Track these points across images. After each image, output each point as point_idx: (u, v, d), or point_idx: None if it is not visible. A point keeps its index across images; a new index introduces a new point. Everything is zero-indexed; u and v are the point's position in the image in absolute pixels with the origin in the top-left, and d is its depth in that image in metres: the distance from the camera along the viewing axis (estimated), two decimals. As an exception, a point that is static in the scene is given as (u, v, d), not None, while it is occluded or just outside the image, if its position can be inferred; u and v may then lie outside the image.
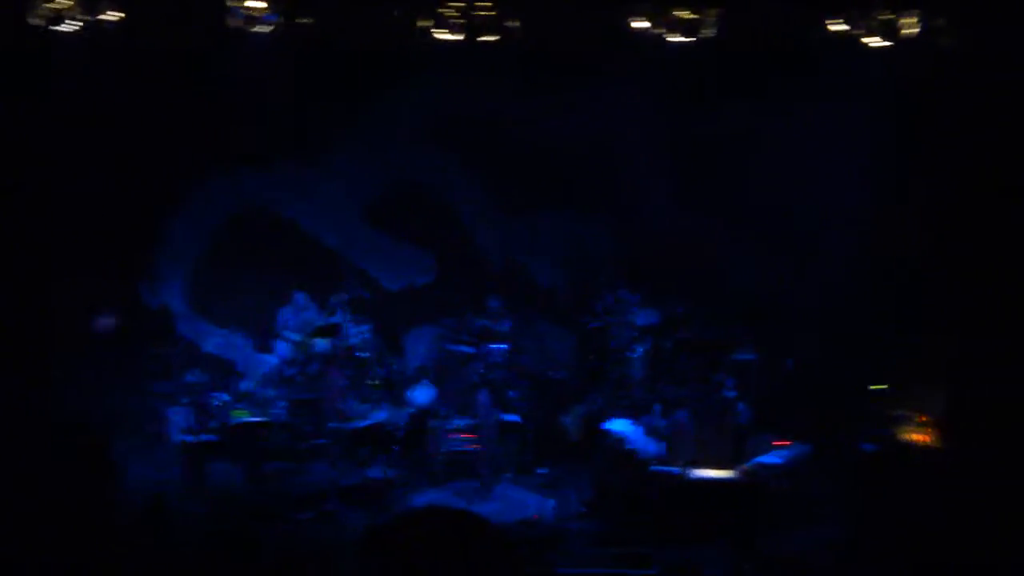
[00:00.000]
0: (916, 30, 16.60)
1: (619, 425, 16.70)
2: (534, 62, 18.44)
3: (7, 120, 17.53)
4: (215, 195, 20.02)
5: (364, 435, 17.28)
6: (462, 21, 16.73)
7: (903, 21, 16.59)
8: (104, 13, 16.39)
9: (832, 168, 18.39)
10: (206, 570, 12.70)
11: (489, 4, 16.68)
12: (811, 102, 17.89)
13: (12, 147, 17.74)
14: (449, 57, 17.65)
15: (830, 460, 16.41)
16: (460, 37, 16.80)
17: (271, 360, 19.08)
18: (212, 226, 20.08)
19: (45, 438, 15.40)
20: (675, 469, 15.75)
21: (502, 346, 18.88)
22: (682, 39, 16.82)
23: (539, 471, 17.94)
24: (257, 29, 16.61)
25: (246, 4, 16.51)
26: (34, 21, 16.32)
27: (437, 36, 16.76)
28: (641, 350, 18.79)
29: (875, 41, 16.69)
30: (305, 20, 16.87)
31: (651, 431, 16.68)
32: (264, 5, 16.56)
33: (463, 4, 16.64)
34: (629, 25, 16.88)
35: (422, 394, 18.13)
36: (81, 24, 16.43)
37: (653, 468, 15.87)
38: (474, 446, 17.42)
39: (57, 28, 16.41)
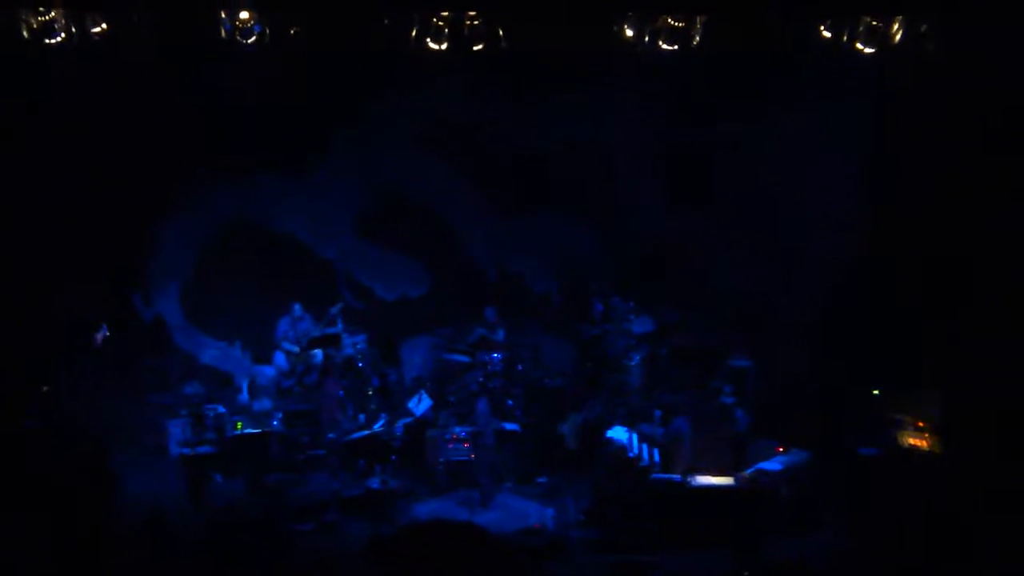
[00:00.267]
0: (901, 36, 16.58)
1: (618, 433, 16.68)
2: (524, 70, 18.44)
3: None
4: (209, 207, 20.02)
5: (362, 445, 17.24)
6: (450, 30, 16.66)
7: (890, 28, 16.58)
8: (94, 25, 16.32)
9: (823, 173, 18.41)
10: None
11: (475, 13, 16.62)
12: (800, 108, 17.91)
13: (3, 159, 17.71)
14: (440, 66, 17.62)
15: (829, 465, 16.42)
16: (447, 47, 16.71)
17: (268, 371, 19.07)
18: (206, 238, 20.10)
19: (44, 451, 15.43)
20: (675, 476, 15.77)
21: (499, 355, 18.90)
22: (671, 47, 16.78)
23: (538, 480, 17.95)
24: (247, 40, 16.54)
25: (236, 15, 16.44)
26: (24, 34, 16.27)
27: (426, 45, 16.71)
28: (638, 358, 18.82)
29: (862, 47, 16.68)
30: (295, 31, 16.78)
31: (649, 438, 16.67)
32: (253, 16, 16.49)
33: (451, 13, 16.59)
34: (618, 33, 16.85)
35: (419, 404, 18.08)
36: (71, 36, 16.36)
37: (653, 476, 15.87)
38: (473, 455, 17.40)
39: (47, 40, 16.34)
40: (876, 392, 17.26)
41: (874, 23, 16.60)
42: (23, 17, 16.20)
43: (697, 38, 16.72)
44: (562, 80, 18.91)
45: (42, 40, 16.34)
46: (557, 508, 16.70)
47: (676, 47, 16.79)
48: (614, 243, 20.53)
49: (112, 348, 18.41)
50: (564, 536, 15.56)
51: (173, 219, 19.93)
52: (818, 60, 17.24)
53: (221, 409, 17.67)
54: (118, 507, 15.03)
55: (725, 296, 19.44)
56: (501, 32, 16.74)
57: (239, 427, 17.05)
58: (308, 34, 16.88)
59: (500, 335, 19.39)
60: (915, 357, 17.12)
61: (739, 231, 19.52)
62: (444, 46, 16.72)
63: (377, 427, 17.48)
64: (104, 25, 16.43)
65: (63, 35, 16.37)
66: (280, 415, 18.04)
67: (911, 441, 16.39)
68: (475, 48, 16.78)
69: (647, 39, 16.82)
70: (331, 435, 17.62)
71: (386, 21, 16.76)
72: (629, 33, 16.83)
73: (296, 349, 18.99)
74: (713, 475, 15.85)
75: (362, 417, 18.31)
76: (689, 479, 15.65)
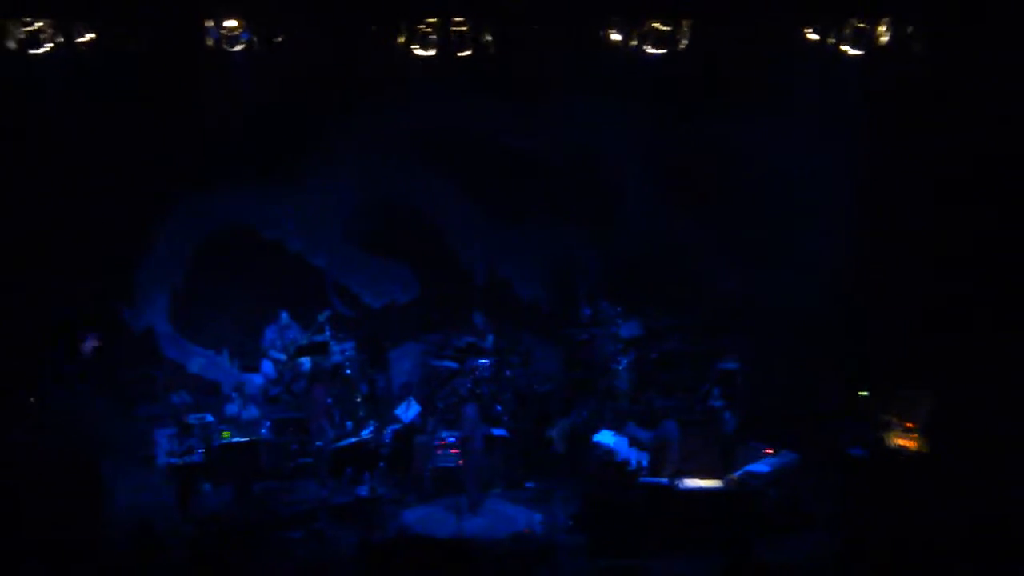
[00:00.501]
0: (887, 38, 16.62)
1: (606, 437, 16.69)
2: (511, 76, 18.46)
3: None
4: (196, 215, 20.01)
5: (350, 453, 17.19)
6: (437, 36, 16.67)
7: (876, 30, 16.62)
8: (81, 35, 16.30)
9: (810, 175, 18.44)
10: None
11: (462, 19, 16.63)
12: (787, 111, 17.93)
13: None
14: (427, 72, 17.63)
15: (818, 467, 16.43)
16: (434, 53, 16.72)
17: (256, 379, 19.03)
18: (193, 247, 20.06)
19: (31, 462, 15.40)
20: (664, 480, 15.76)
21: (487, 360, 18.89)
22: (657, 51, 16.80)
23: (527, 485, 17.94)
24: (233, 48, 16.53)
25: (222, 24, 16.43)
26: (9, 44, 16.25)
27: (413, 52, 16.72)
28: (626, 361, 18.80)
29: (848, 49, 16.71)
30: (281, 39, 16.78)
31: (639, 442, 16.67)
32: (240, 24, 16.48)
33: (437, 20, 16.60)
34: (604, 37, 16.88)
35: (408, 410, 18.06)
36: (57, 46, 16.35)
37: (642, 479, 15.87)
38: (461, 461, 17.37)
39: (33, 51, 16.32)
40: (864, 393, 17.29)
41: (860, 25, 16.63)
42: (9, 27, 16.19)
43: (684, 42, 16.74)
44: (550, 85, 18.95)
45: (28, 50, 16.33)
46: (546, 513, 16.66)
47: (663, 51, 16.82)
48: (602, 247, 20.53)
49: (100, 358, 18.40)
50: (553, 541, 15.48)
51: (161, 228, 19.91)
52: (805, 63, 17.28)
53: (209, 418, 17.61)
54: (107, 518, 15.01)
55: (713, 299, 19.52)
56: (488, 38, 16.75)
57: (226, 436, 17.01)
58: (295, 42, 16.89)
59: (489, 341, 19.38)
60: (903, 358, 17.15)
61: (727, 234, 19.60)
62: (431, 52, 16.73)
63: (365, 434, 17.44)
64: (91, 35, 16.42)
65: (50, 45, 16.36)
66: (268, 423, 18.02)
67: (899, 442, 16.40)
68: (462, 54, 16.80)
69: (634, 43, 16.85)
70: (319, 443, 17.56)
71: (373, 28, 16.77)
72: (616, 37, 16.85)
73: (284, 357, 18.96)
74: (702, 478, 15.86)
75: (350, 424, 18.27)
76: (677, 482, 15.63)
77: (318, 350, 18.80)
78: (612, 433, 16.74)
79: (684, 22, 16.64)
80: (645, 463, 16.16)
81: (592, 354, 19.13)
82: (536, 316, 20.71)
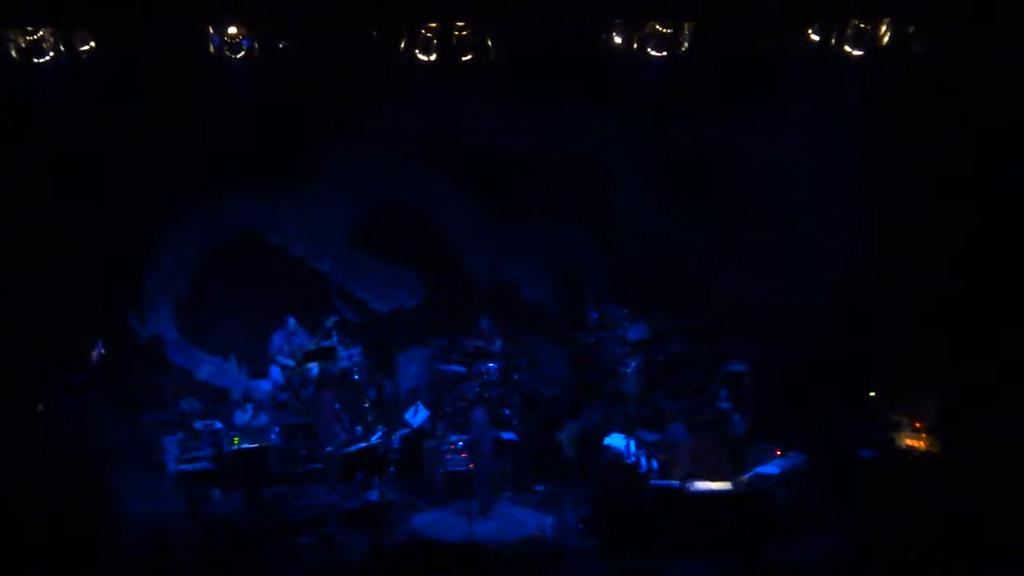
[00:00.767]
0: (889, 38, 16.62)
1: (615, 440, 16.67)
2: (516, 80, 18.44)
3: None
4: (201, 222, 19.99)
5: (359, 458, 17.19)
6: (439, 41, 16.68)
7: (878, 30, 16.62)
8: (83, 43, 16.32)
9: (814, 176, 18.43)
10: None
11: (463, 24, 16.63)
12: (790, 111, 17.93)
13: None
14: (429, 77, 17.64)
15: (828, 468, 16.43)
16: (436, 57, 16.73)
17: (265, 385, 19.03)
18: (200, 254, 20.06)
19: (40, 470, 15.43)
20: (673, 483, 15.76)
21: (495, 364, 18.89)
22: (659, 53, 16.80)
23: (537, 488, 17.98)
24: (236, 55, 16.55)
25: (224, 31, 16.44)
26: (13, 53, 16.27)
27: (416, 57, 16.73)
28: (634, 364, 18.82)
29: (850, 50, 16.72)
30: (284, 45, 16.79)
31: (647, 445, 16.67)
32: (242, 31, 16.49)
33: (439, 25, 16.60)
34: (607, 41, 16.88)
35: (416, 415, 18.05)
36: (59, 54, 16.37)
37: (651, 482, 15.87)
38: (471, 465, 17.39)
39: (36, 59, 16.35)
40: (873, 394, 17.30)
41: (862, 25, 16.64)
42: (11, 37, 16.21)
43: (686, 44, 16.74)
44: (552, 88, 18.92)
45: (31, 59, 16.35)
46: (556, 516, 16.70)
47: (665, 53, 16.82)
48: (608, 250, 20.52)
49: (107, 366, 18.43)
50: (563, 544, 15.58)
51: (166, 235, 19.90)
52: (808, 63, 17.28)
53: (218, 425, 17.62)
54: (117, 524, 15.02)
55: (721, 301, 19.49)
56: (489, 42, 16.76)
57: (236, 442, 17.02)
58: (298, 48, 16.89)
59: (496, 345, 19.39)
60: (911, 358, 17.14)
61: (732, 236, 19.54)
62: (433, 57, 16.74)
63: (374, 439, 17.42)
64: (92, 43, 16.44)
65: (52, 53, 16.39)
66: (277, 429, 18.03)
67: (908, 442, 16.43)
68: (464, 59, 16.81)
69: (636, 46, 16.86)
70: (329, 448, 17.60)
71: (375, 33, 16.78)
72: (618, 40, 16.86)
73: (291, 363, 18.97)
74: (711, 480, 15.88)
75: (359, 429, 18.28)
76: (687, 485, 15.65)
77: (326, 355, 18.81)
78: (622, 436, 16.71)
79: (686, 24, 16.64)
80: (655, 466, 16.13)
81: (599, 357, 19.15)
82: (543, 319, 20.69)
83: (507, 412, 18.53)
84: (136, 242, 19.68)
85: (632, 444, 16.47)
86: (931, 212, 17.29)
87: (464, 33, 16.70)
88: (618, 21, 16.78)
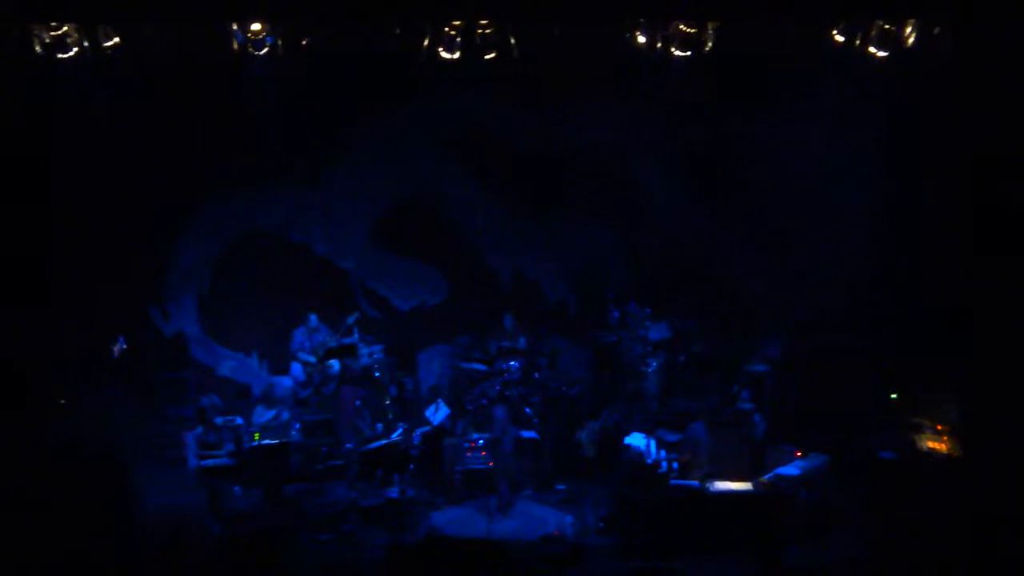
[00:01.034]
0: (914, 40, 16.58)
1: (636, 439, 16.64)
2: (538, 77, 18.45)
3: (13, 147, 17.57)
4: (223, 219, 20.03)
5: (380, 455, 17.21)
6: (462, 39, 16.69)
7: (903, 31, 16.59)
8: (107, 39, 16.38)
9: (838, 177, 18.42)
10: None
11: (487, 22, 16.64)
12: (814, 112, 17.91)
13: (19, 175, 17.77)
14: (453, 73, 17.66)
15: (848, 470, 16.38)
16: (459, 56, 16.74)
17: (286, 382, 19.04)
18: (222, 250, 20.09)
19: (62, 465, 15.45)
20: (693, 483, 15.74)
21: (516, 363, 18.88)
22: (683, 53, 16.80)
23: (557, 487, 17.97)
24: (259, 52, 16.60)
25: (247, 27, 16.49)
26: (37, 48, 16.35)
27: (439, 55, 16.74)
28: (655, 364, 18.76)
29: (875, 51, 16.69)
30: (307, 42, 16.82)
31: (668, 445, 16.65)
32: (265, 28, 16.53)
33: (462, 23, 16.61)
34: (630, 39, 16.88)
35: (437, 412, 18.05)
36: (83, 50, 16.44)
37: (671, 482, 15.84)
38: (491, 463, 17.39)
39: (60, 55, 16.42)
40: (894, 396, 17.25)
41: (887, 27, 16.62)
42: (36, 32, 16.29)
43: (710, 44, 16.73)
44: (576, 86, 18.92)
45: (55, 55, 16.42)
46: (576, 515, 16.69)
47: (688, 53, 16.81)
48: (631, 249, 20.51)
49: (129, 361, 18.47)
50: (583, 543, 15.53)
51: (188, 231, 19.95)
52: (832, 64, 17.25)
53: (239, 420, 17.65)
54: (137, 519, 15.04)
55: (743, 302, 19.46)
56: (513, 41, 16.76)
57: (256, 438, 17.04)
58: (320, 45, 16.92)
59: (521, 343, 19.39)
60: (933, 360, 17.09)
61: (755, 236, 19.51)
62: (456, 55, 16.75)
63: (395, 436, 17.43)
64: (116, 39, 16.50)
65: (76, 50, 16.47)
66: (298, 425, 18.05)
67: (930, 445, 16.38)
68: (487, 57, 16.82)
69: (659, 45, 16.85)
70: (349, 445, 17.62)
71: (397, 31, 16.79)
72: (641, 40, 16.86)
73: (313, 359, 18.98)
74: (731, 481, 15.85)
75: (380, 426, 18.31)
76: (707, 485, 15.63)
77: (347, 353, 18.82)
78: (642, 436, 16.69)
79: (710, 24, 16.63)
80: (675, 466, 16.10)
81: (621, 356, 19.06)
82: (564, 318, 20.70)
83: (528, 411, 18.50)
84: (159, 238, 19.73)
85: (653, 444, 16.43)
86: (955, 212, 17.22)
87: (488, 31, 16.72)
88: (642, 20, 16.77)
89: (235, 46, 16.66)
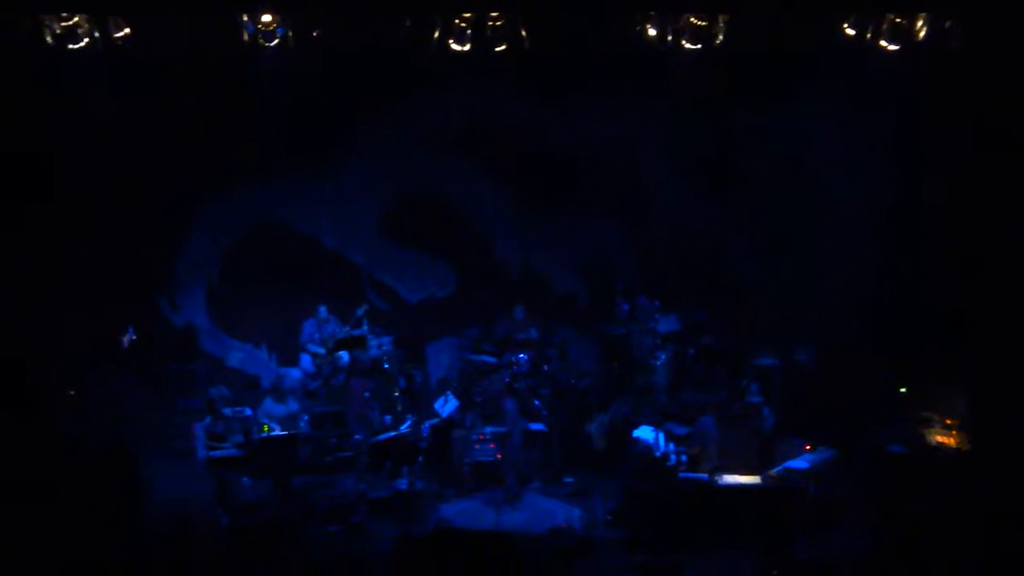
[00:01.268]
0: (925, 33, 16.56)
1: (644, 432, 16.65)
2: (548, 70, 18.45)
3: (24, 138, 17.59)
4: (233, 210, 20.03)
5: (389, 447, 17.21)
6: (473, 31, 16.68)
7: (914, 25, 16.57)
8: (117, 30, 16.39)
9: (848, 170, 18.40)
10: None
11: (497, 14, 16.63)
12: (824, 105, 17.90)
13: (28, 165, 17.78)
14: (463, 66, 17.66)
15: (857, 463, 16.38)
16: (470, 47, 16.74)
17: (295, 374, 19.05)
18: (231, 241, 20.09)
19: (71, 455, 15.49)
20: (702, 476, 15.75)
21: (525, 355, 18.88)
22: (694, 46, 16.79)
23: (566, 480, 17.98)
24: (269, 43, 16.61)
25: (258, 18, 16.49)
26: (48, 39, 16.36)
27: (449, 47, 16.74)
28: (664, 357, 18.77)
29: (886, 45, 16.66)
30: (317, 33, 16.83)
31: (677, 438, 16.65)
32: (275, 19, 16.54)
33: (473, 15, 16.61)
34: (641, 32, 16.86)
35: (446, 404, 18.06)
36: (94, 40, 16.46)
37: (680, 475, 15.85)
38: (499, 455, 17.40)
39: (70, 45, 16.44)
40: (903, 390, 17.24)
41: (898, 20, 16.61)
42: (46, 22, 16.31)
43: (720, 37, 16.73)
44: (586, 78, 18.92)
45: (66, 45, 16.44)
46: (584, 508, 16.72)
47: (699, 46, 16.81)
48: (640, 242, 20.54)
49: (138, 352, 18.48)
50: (591, 536, 15.56)
51: (198, 222, 19.96)
52: (842, 57, 17.22)
53: (247, 412, 17.66)
54: (146, 510, 15.07)
55: (752, 295, 19.45)
56: (524, 33, 16.75)
57: (265, 430, 17.04)
58: (330, 37, 16.92)
59: (529, 335, 19.40)
60: (942, 354, 17.08)
61: (765, 229, 19.51)
62: (467, 47, 16.75)
63: (404, 428, 17.44)
64: (127, 30, 16.51)
65: (87, 40, 16.48)
66: (307, 417, 18.06)
67: (939, 438, 16.37)
68: (498, 49, 16.81)
69: (670, 38, 16.84)
70: (358, 436, 17.63)
71: (408, 23, 16.78)
72: (652, 32, 16.85)
73: (322, 351, 18.98)
74: (740, 474, 15.86)
75: (388, 418, 18.30)
76: (716, 478, 15.64)
77: (356, 344, 18.80)
78: (651, 428, 16.69)
79: (720, 17, 16.62)
80: (684, 459, 16.11)
81: (630, 349, 19.06)
82: (573, 311, 20.71)
83: (537, 403, 18.50)
84: (168, 229, 19.74)
85: (661, 437, 16.44)
86: (963, 206, 17.20)
87: (498, 24, 16.71)
88: (652, 13, 16.76)
89: (245, 37, 16.66)
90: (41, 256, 17.90)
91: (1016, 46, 15.90)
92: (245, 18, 16.54)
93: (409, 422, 17.66)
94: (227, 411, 17.38)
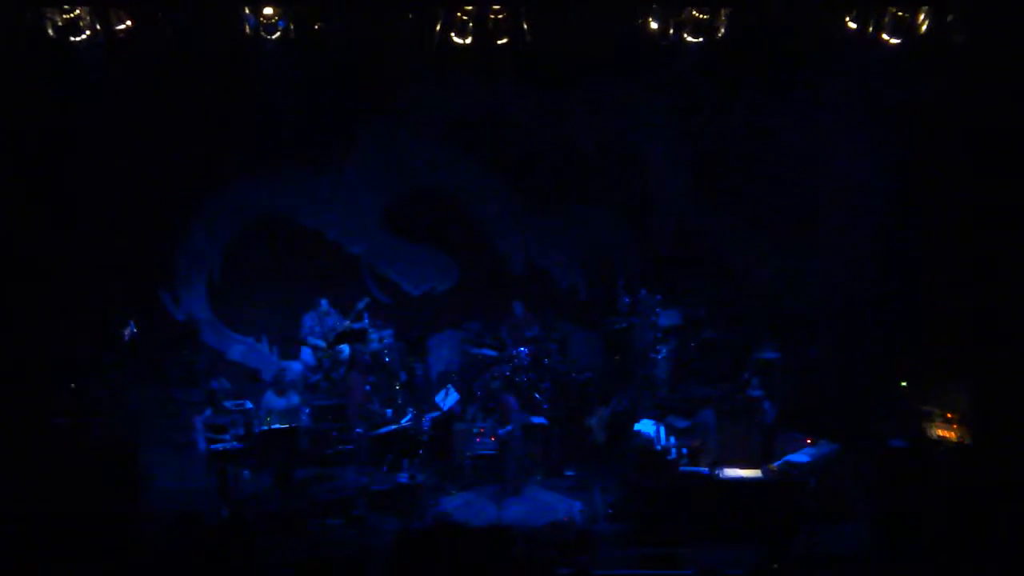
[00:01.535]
0: (927, 27, 16.53)
1: (645, 426, 16.65)
2: (550, 64, 18.44)
3: (26, 131, 17.59)
4: (236, 203, 20.04)
5: (389, 440, 17.24)
6: (474, 24, 16.67)
7: (916, 19, 16.54)
8: (119, 22, 16.39)
9: (849, 164, 18.41)
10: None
11: (499, 7, 16.62)
12: (826, 100, 17.94)
13: (31, 159, 17.79)
14: (465, 60, 17.65)
15: (858, 457, 16.37)
16: (472, 41, 16.73)
17: (296, 367, 19.05)
18: (233, 234, 20.09)
19: (72, 447, 15.50)
20: (703, 469, 15.74)
21: (526, 349, 18.87)
22: (695, 39, 16.78)
23: (566, 473, 17.98)
24: (271, 36, 16.61)
25: (260, 11, 16.49)
26: (50, 31, 16.36)
27: (451, 40, 16.73)
28: (665, 350, 18.76)
29: (888, 38, 16.64)
30: (319, 26, 16.82)
31: (677, 431, 16.65)
32: (277, 12, 16.53)
33: (474, 8, 16.59)
34: (643, 26, 16.85)
35: (447, 398, 18.05)
36: (96, 33, 16.45)
37: (682, 468, 15.84)
38: (500, 449, 17.38)
39: (72, 38, 16.43)
40: (904, 384, 17.22)
41: (900, 14, 16.56)
42: (48, 15, 16.30)
43: (722, 30, 16.71)
44: (587, 73, 18.92)
45: (68, 38, 16.44)
46: (585, 501, 16.72)
47: (701, 39, 16.79)
48: (641, 236, 20.49)
49: (139, 344, 18.48)
50: (592, 529, 15.57)
51: (200, 215, 19.95)
52: (844, 51, 17.20)
53: (248, 405, 17.66)
54: (146, 502, 15.07)
55: (753, 288, 19.46)
56: (525, 26, 16.73)
57: (267, 422, 17.04)
58: (333, 30, 16.91)
59: (528, 329, 19.38)
60: (944, 348, 17.06)
61: (766, 224, 19.51)
62: (468, 40, 16.74)
63: (404, 422, 17.47)
64: (129, 22, 16.51)
65: (88, 32, 16.48)
66: (308, 410, 18.06)
67: (940, 432, 16.34)
68: (499, 42, 16.79)
69: (672, 32, 16.82)
70: (359, 430, 17.64)
71: (410, 16, 16.77)
72: (654, 26, 16.83)
73: (323, 344, 18.99)
74: (741, 468, 15.86)
75: (389, 412, 18.28)
76: (717, 472, 15.64)
77: (357, 337, 18.81)
78: (652, 422, 16.69)
79: (722, 10, 16.60)
80: (685, 452, 16.10)
81: (631, 343, 19.08)
82: (575, 304, 20.69)
83: (537, 397, 18.49)
84: (170, 222, 19.74)
85: (662, 430, 16.46)
86: (965, 201, 17.17)
87: (500, 17, 16.69)
88: (655, 6, 16.74)
89: (247, 30, 16.65)
90: (42, 248, 17.91)
91: (1018, 39, 15.86)
92: (247, 11, 16.54)
93: (410, 415, 17.68)
94: (228, 404, 17.39)
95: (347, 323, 18.97)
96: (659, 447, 16.17)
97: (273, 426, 16.95)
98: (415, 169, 20.39)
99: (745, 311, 19.20)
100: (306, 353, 19.13)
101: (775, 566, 13.49)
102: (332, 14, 16.82)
